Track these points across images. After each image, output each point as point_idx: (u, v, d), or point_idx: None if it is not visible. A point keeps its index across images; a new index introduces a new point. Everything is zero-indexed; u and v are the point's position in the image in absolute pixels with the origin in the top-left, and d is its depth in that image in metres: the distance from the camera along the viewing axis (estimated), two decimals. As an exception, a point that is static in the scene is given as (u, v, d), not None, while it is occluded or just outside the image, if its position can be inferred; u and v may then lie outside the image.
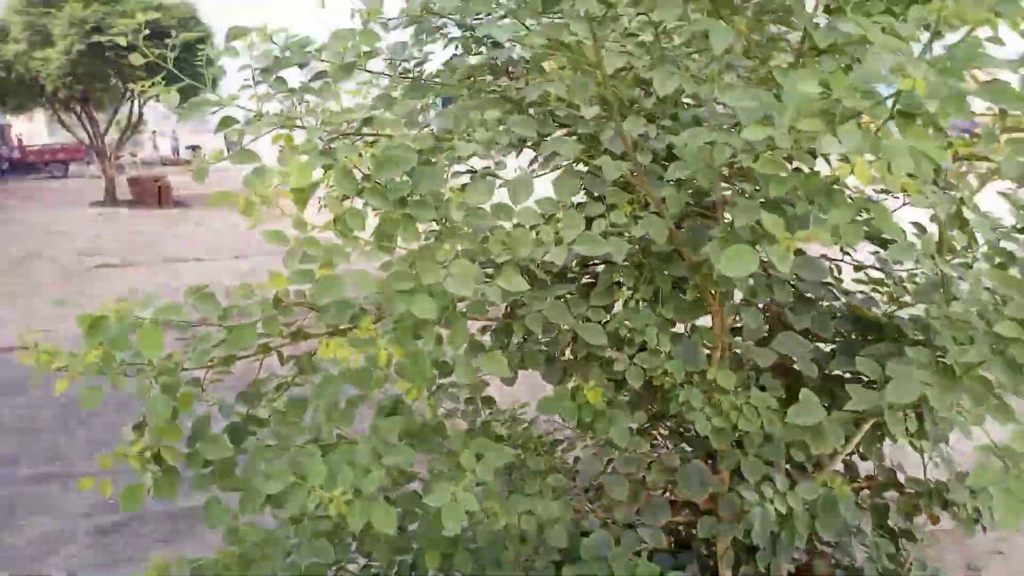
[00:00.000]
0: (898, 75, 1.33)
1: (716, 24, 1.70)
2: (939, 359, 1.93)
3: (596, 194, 2.09)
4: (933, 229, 2.29)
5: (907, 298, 2.54)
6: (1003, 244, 2.30)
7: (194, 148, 32.16)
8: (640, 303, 2.19)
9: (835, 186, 1.50)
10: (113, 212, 19.61)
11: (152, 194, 20.91)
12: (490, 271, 1.90)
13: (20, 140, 30.11)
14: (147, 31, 2.09)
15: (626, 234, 2.05)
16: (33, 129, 34.06)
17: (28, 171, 29.07)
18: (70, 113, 23.11)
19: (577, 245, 1.87)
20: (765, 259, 1.55)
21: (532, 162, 2.58)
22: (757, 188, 1.97)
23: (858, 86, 1.37)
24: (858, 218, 1.44)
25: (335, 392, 1.78)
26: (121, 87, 21.65)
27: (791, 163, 1.69)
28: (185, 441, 2.01)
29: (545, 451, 2.64)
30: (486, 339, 2.54)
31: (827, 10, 1.53)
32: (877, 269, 2.65)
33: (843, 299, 2.48)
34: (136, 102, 22.56)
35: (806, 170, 1.67)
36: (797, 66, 1.80)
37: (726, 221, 2.10)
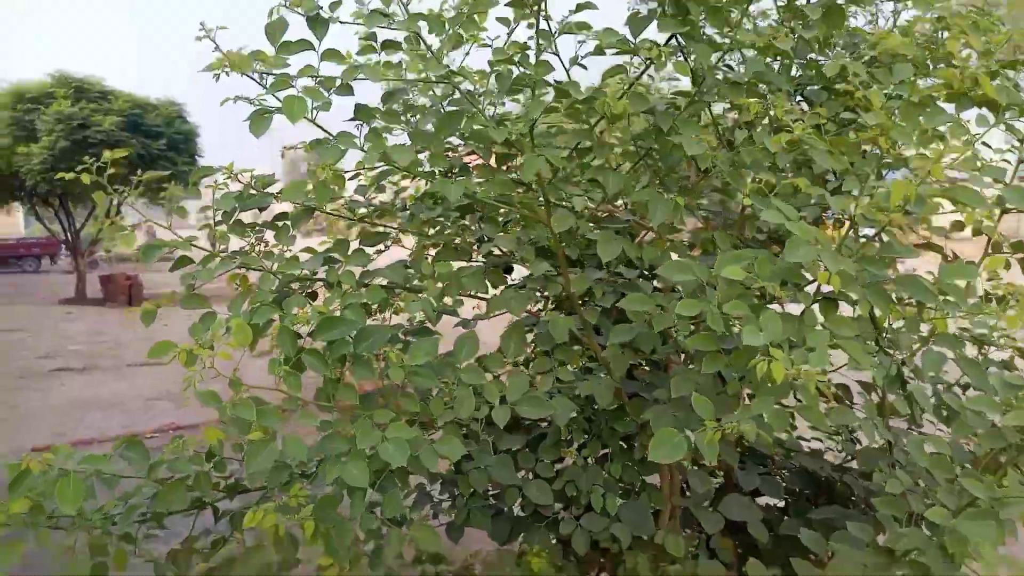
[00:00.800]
0: (815, 268, 1.38)
1: (657, 197, 1.77)
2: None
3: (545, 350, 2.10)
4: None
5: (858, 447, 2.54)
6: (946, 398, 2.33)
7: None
8: (588, 460, 2.16)
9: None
10: (81, 311, 19.28)
11: (123, 291, 20.65)
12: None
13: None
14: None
15: (574, 391, 2.06)
16: (8, 221, 33.98)
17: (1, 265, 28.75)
18: (47, 207, 23.13)
19: (521, 407, 1.85)
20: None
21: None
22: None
23: (781, 275, 1.42)
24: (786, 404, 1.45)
25: (263, 560, 1.69)
26: (103, 182, 21.68)
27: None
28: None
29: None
30: (435, 489, 2.47)
31: (757, 191, 1.60)
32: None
33: (794, 454, 2.46)
34: (115, 198, 22.60)
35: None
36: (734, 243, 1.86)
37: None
